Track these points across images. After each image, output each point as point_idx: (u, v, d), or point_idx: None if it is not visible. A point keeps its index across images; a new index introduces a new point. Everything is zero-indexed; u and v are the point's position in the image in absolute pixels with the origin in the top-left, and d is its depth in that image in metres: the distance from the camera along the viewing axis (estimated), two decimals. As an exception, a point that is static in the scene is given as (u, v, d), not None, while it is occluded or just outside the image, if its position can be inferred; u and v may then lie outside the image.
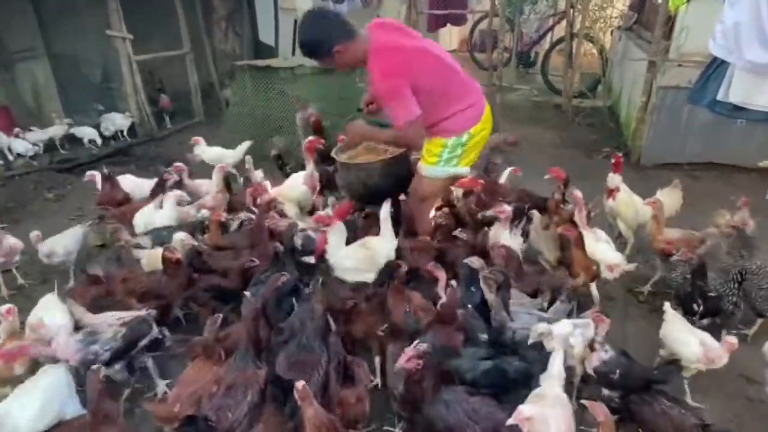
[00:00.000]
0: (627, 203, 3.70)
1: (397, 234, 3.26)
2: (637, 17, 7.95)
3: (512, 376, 2.27)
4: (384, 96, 3.04)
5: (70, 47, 7.06)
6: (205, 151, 5.10)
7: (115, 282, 2.97)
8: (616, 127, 7.30)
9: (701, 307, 2.76)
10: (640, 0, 7.97)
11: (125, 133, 6.87)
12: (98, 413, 2.04)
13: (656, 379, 2.35)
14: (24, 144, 5.97)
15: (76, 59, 7.20)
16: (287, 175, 4.43)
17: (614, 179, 3.69)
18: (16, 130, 6.05)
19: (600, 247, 3.11)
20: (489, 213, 3.27)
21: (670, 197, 3.78)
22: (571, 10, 7.83)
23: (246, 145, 5.09)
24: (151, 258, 3.20)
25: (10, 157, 5.97)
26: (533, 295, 2.84)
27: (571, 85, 7.79)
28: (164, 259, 2.86)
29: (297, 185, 3.99)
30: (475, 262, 2.72)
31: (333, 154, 3.92)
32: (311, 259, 3.20)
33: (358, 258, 3.02)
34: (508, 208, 3.16)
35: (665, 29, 5.59)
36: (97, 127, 6.68)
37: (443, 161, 3.27)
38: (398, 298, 2.59)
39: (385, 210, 3.17)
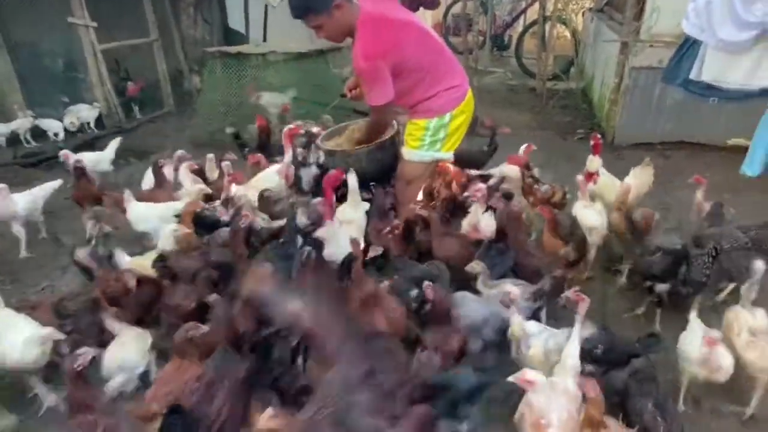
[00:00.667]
0: (608, 185, 3.74)
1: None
2: (607, -1, 8.02)
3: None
4: (363, 76, 3.06)
5: (30, 36, 6.76)
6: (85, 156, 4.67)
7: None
8: (589, 108, 7.39)
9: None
10: (610, -19, 8.03)
11: (92, 124, 6.65)
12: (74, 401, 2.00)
13: (638, 352, 2.40)
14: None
15: (37, 49, 6.90)
16: (244, 157, 4.45)
17: (594, 162, 3.73)
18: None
19: (584, 212, 3.21)
20: (465, 194, 3.31)
21: (641, 176, 3.86)
22: (544, -7, 7.86)
23: (116, 142, 4.84)
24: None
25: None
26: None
27: (545, 67, 7.83)
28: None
29: (271, 177, 3.92)
30: (476, 266, 2.72)
31: (318, 141, 3.88)
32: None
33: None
34: (482, 186, 3.18)
35: (636, 10, 5.64)
36: (61, 119, 6.45)
37: (426, 145, 3.25)
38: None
39: (353, 179, 3.30)
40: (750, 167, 2.84)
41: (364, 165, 3.61)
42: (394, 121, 3.85)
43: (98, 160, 4.65)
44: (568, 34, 8.32)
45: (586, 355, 2.37)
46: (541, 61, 7.89)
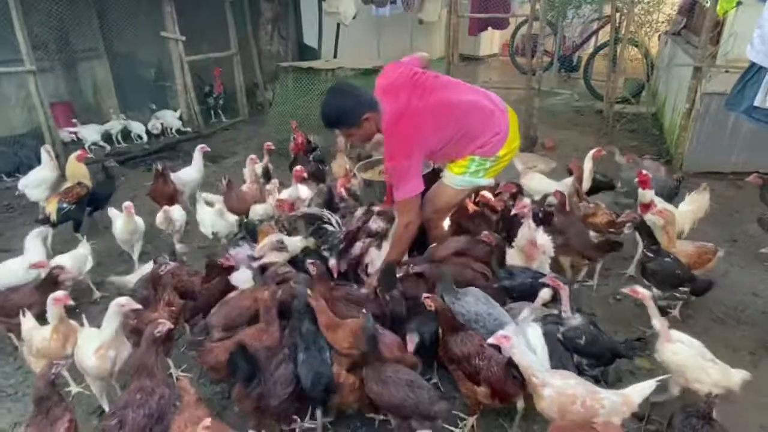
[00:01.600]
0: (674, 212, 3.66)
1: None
2: (686, 22, 7.75)
3: None
4: (392, 174, 3.15)
5: (127, 48, 7.51)
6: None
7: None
8: (659, 134, 7.14)
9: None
10: (690, 4, 7.76)
11: (174, 130, 7.25)
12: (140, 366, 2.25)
13: (621, 352, 2.47)
14: (92, 133, 6.49)
15: (132, 59, 7.64)
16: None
17: (646, 195, 3.68)
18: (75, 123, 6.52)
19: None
20: (513, 212, 3.40)
21: (697, 202, 3.74)
22: (617, 14, 7.70)
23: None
24: None
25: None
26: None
27: (613, 90, 7.65)
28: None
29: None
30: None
31: (355, 170, 4.04)
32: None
33: None
34: (527, 201, 3.23)
35: (713, 34, 5.45)
36: (145, 123, 7.10)
37: (470, 173, 3.23)
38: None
39: None
40: None
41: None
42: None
43: (191, 174, 4.87)
44: (640, 56, 8.09)
45: (568, 342, 2.50)
46: (610, 83, 7.72)
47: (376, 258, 3.30)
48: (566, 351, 2.52)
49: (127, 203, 3.87)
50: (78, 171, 4.40)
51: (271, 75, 8.34)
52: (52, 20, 6.37)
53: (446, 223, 3.53)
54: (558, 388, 2.11)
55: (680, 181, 4.54)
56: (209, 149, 5.04)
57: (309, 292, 2.54)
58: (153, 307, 2.79)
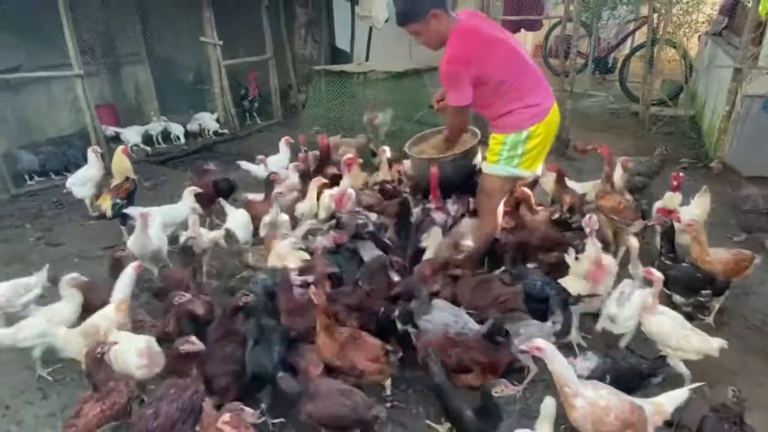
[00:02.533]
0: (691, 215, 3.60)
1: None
2: (727, 22, 7.53)
3: None
4: (444, 78, 3.25)
5: (168, 52, 7.80)
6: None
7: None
8: (697, 137, 6.95)
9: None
10: (731, 4, 7.55)
11: (211, 131, 7.48)
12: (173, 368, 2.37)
13: (648, 373, 2.41)
14: (134, 135, 6.78)
15: (172, 63, 7.93)
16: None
17: (673, 199, 3.61)
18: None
19: None
20: (579, 223, 3.40)
21: (702, 206, 3.67)
22: (654, 15, 7.55)
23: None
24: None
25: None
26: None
27: (650, 92, 7.50)
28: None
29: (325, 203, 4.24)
30: None
31: (405, 148, 4.12)
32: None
33: None
34: (594, 217, 3.17)
35: (755, 35, 5.30)
36: (184, 125, 7.35)
37: (503, 160, 3.33)
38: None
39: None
40: None
41: (448, 172, 3.81)
42: (477, 130, 4.01)
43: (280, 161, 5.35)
44: (678, 57, 7.89)
45: None
46: (647, 85, 7.57)
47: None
48: None
49: (141, 211, 3.73)
50: (123, 165, 4.61)
51: (305, 78, 8.51)
52: (98, 26, 6.69)
53: (499, 213, 3.59)
54: (591, 399, 2.09)
55: (664, 157, 4.62)
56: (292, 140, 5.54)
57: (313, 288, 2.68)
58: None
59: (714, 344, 2.59)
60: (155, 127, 7.07)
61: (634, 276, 3.03)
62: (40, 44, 6.10)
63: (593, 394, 2.09)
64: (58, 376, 3.00)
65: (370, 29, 8.90)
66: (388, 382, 2.70)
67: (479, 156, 3.94)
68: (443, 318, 2.73)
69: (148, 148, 6.89)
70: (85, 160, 5.01)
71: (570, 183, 4.40)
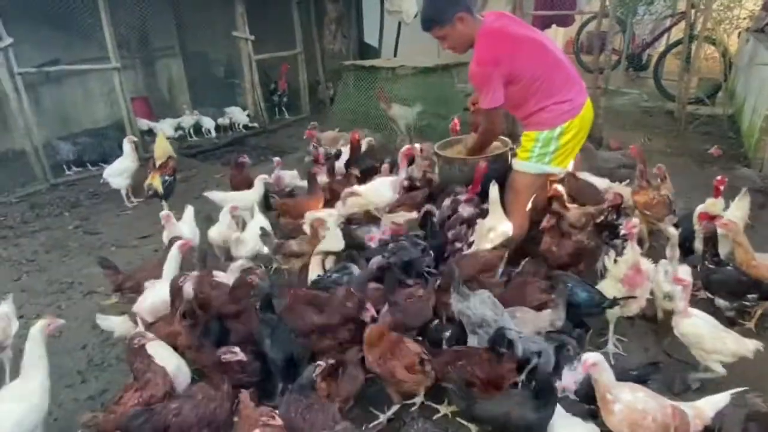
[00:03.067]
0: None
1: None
2: (771, 18, 7.28)
3: None
4: (474, 80, 3.28)
5: (200, 47, 7.93)
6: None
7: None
8: (736, 137, 6.74)
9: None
10: (775, -1, 7.29)
11: (241, 125, 7.57)
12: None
13: (638, 379, 2.34)
14: (167, 128, 6.88)
15: (205, 58, 8.05)
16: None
17: (715, 205, 3.49)
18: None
19: None
20: (621, 231, 3.30)
21: (742, 209, 3.55)
22: (692, 11, 7.33)
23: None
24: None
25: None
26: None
27: (686, 90, 7.28)
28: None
29: (384, 192, 4.08)
30: None
31: (436, 149, 4.11)
32: None
33: None
34: (635, 221, 3.10)
35: (802, 31, 5.10)
36: (214, 119, 7.45)
37: (535, 157, 3.31)
38: None
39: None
40: None
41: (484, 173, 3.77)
42: (507, 139, 3.96)
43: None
44: (717, 55, 7.65)
45: (585, 399, 2.39)
46: (683, 83, 7.35)
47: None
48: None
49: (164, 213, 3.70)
50: (166, 147, 4.87)
51: (333, 73, 8.55)
52: (134, 20, 6.83)
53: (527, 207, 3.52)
54: (628, 403, 2.06)
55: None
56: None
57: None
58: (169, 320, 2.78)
59: (750, 346, 2.53)
60: (187, 120, 7.20)
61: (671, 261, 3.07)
62: (78, 38, 6.27)
63: (631, 398, 2.06)
64: (96, 361, 3.09)
65: (399, 24, 8.88)
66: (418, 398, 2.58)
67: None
68: (483, 311, 2.65)
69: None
70: (120, 151, 5.14)
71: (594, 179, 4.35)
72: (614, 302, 2.84)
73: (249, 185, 4.35)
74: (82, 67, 6.28)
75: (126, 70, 6.59)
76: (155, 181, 4.58)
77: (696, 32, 7.14)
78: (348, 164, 4.88)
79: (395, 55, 9.01)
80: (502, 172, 3.80)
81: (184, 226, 3.74)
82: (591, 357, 2.10)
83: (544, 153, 3.29)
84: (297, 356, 2.55)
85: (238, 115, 7.53)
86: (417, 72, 6.77)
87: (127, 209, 5.12)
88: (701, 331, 2.60)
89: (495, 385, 2.41)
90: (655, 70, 8.69)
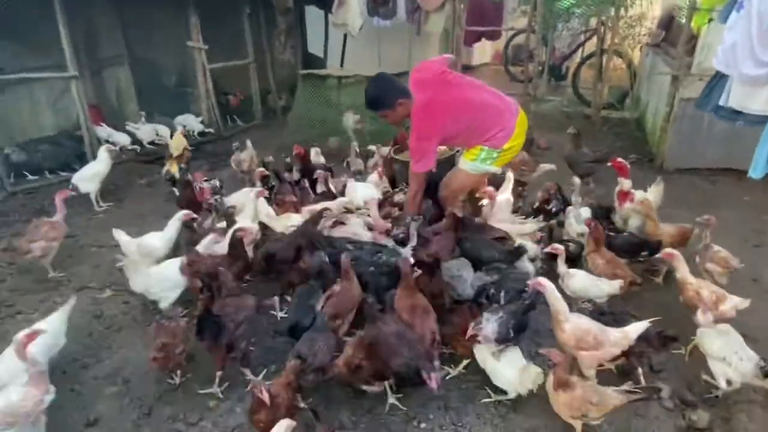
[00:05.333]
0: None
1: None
2: (664, 35, 8.51)
3: None
4: (413, 152, 3.82)
5: (151, 54, 7.99)
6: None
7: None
8: (642, 136, 7.84)
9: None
10: (668, 19, 8.53)
11: (196, 132, 7.72)
12: None
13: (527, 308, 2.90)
14: (125, 137, 6.93)
15: (155, 66, 8.12)
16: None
17: (625, 183, 4.23)
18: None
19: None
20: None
21: (655, 193, 4.36)
22: (602, 28, 8.44)
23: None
24: None
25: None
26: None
27: (600, 97, 8.37)
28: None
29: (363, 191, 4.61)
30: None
31: (392, 154, 4.64)
32: None
33: None
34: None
35: (689, 47, 6.16)
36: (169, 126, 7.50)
37: (479, 160, 3.90)
38: None
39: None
40: (754, 171, 3.34)
41: (435, 175, 4.27)
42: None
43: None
44: (624, 66, 8.84)
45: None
46: (597, 91, 8.44)
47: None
48: None
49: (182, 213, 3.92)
50: (182, 142, 5.76)
51: (283, 82, 8.90)
52: (82, 28, 6.80)
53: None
54: (576, 324, 2.69)
55: (600, 160, 5.37)
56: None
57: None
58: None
59: (615, 285, 3.24)
60: (146, 130, 7.24)
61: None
62: (31, 45, 6.22)
63: (578, 320, 2.71)
64: (106, 345, 3.32)
65: (345, 36, 9.39)
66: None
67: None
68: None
69: (137, 148, 7.08)
70: (78, 158, 5.26)
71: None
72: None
73: (197, 206, 4.40)
74: (40, 75, 6.24)
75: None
76: (174, 168, 5.39)
77: (606, 46, 8.25)
78: (301, 177, 5.08)
79: (342, 65, 9.50)
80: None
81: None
82: (540, 279, 2.76)
83: (488, 159, 3.90)
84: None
85: (192, 122, 7.68)
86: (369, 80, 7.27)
87: (98, 213, 5.23)
88: (583, 283, 3.34)
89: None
90: (573, 80, 9.79)
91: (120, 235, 3.70)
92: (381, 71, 4.24)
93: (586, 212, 4.02)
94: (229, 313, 2.83)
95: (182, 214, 3.86)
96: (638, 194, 4.30)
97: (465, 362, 3.01)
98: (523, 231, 3.93)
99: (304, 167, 5.20)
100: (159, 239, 3.77)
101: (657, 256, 3.64)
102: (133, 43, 7.87)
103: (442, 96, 3.69)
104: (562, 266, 3.42)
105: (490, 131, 3.77)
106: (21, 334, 2.44)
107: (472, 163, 3.94)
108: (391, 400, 2.77)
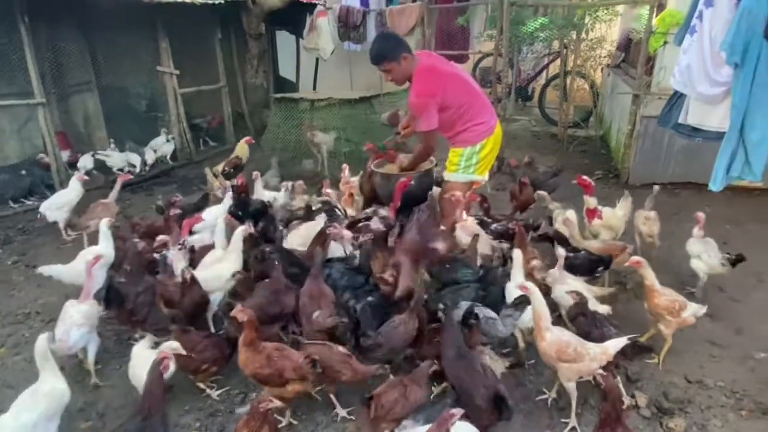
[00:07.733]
0: (617, 218, 4.42)
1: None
2: (624, 56, 8.92)
3: None
4: (415, 109, 4.03)
5: (120, 81, 7.91)
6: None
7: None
8: (607, 153, 8.13)
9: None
10: (626, 41, 8.96)
11: (168, 157, 7.62)
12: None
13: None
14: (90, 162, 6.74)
15: (124, 92, 8.03)
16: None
17: (590, 201, 4.35)
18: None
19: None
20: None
21: (625, 208, 4.52)
22: (565, 50, 8.80)
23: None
24: None
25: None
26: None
27: (565, 116, 8.68)
28: None
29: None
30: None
31: (373, 167, 4.69)
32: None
33: None
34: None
35: (647, 67, 6.47)
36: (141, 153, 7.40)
37: (461, 168, 4.13)
38: None
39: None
40: (714, 184, 3.52)
41: (413, 187, 4.40)
42: (433, 157, 4.64)
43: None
44: (587, 86, 9.20)
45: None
46: (563, 111, 8.75)
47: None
48: None
49: None
50: (246, 150, 6.09)
51: (255, 105, 8.92)
52: (49, 55, 6.71)
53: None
54: (557, 335, 2.74)
55: (556, 174, 5.72)
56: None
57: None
58: None
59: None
60: (111, 155, 7.12)
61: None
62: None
63: (559, 332, 2.76)
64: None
65: (317, 60, 9.52)
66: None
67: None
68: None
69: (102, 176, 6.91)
70: (47, 187, 5.11)
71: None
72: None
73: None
74: (4, 102, 6.10)
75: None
76: (218, 168, 5.92)
77: (569, 68, 8.59)
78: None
79: (314, 89, 9.61)
80: (428, 186, 4.51)
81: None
82: (526, 283, 2.86)
83: (469, 165, 4.10)
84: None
85: (164, 147, 7.59)
86: (343, 103, 7.39)
87: (66, 242, 5.08)
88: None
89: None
90: (539, 100, 10.14)
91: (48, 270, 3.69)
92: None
93: (571, 213, 4.19)
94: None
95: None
96: (605, 210, 4.46)
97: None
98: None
99: (241, 202, 4.51)
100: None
101: (625, 265, 3.72)
102: (101, 69, 7.78)
103: (444, 67, 4.01)
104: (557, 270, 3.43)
105: (476, 119, 4.01)
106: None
107: (454, 174, 4.18)
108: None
